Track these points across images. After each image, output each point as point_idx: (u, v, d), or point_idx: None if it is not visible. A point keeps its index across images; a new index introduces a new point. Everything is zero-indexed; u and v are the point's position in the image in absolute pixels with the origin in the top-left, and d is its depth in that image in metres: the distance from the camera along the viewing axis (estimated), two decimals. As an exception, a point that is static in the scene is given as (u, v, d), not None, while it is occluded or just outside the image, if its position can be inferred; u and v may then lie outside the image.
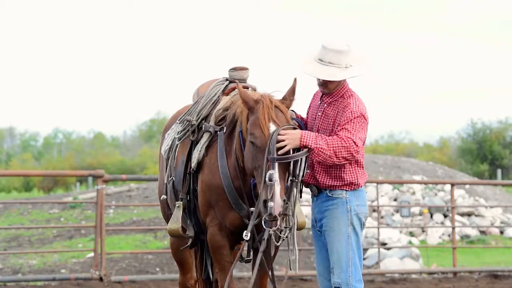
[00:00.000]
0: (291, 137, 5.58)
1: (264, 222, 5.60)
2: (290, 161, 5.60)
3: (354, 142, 5.61)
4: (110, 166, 49.67)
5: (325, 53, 5.71)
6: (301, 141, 5.58)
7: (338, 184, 5.80)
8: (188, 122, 6.51)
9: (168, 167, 6.81)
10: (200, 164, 6.30)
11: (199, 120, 6.48)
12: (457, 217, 19.73)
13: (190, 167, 6.38)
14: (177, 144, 6.67)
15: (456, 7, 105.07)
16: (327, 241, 5.82)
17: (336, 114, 5.75)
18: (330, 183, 5.81)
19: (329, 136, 5.72)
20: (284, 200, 5.53)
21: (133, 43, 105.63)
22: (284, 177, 5.61)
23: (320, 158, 5.63)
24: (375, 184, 19.29)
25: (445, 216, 20.45)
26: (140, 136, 70.77)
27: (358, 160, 5.80)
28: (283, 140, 5.57)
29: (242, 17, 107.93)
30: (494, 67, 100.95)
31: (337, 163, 5.64)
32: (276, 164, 5.52)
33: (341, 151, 5.60)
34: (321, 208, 5.85)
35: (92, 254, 14.85)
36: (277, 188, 5.49)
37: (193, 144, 6.43)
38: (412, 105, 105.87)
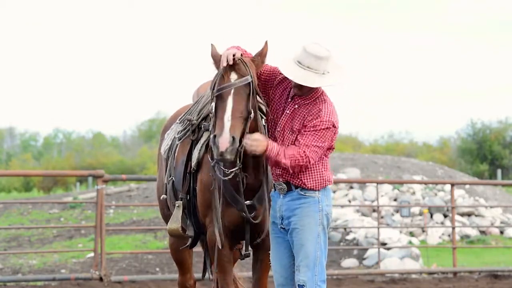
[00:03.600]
0: (258, 144, 5.64)
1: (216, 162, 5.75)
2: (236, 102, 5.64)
3: (309, 160, 5.68)
4: (110, 166, 49.67)
5: (305, 56, 5.68)
6: (266, 150, 5.65)
7: (310, 185, 5.80)
8: (188, 122, 6.52)
9: (168, 167, 6.81)
10: (199, 163, 6.31)
11: (199, 120, 6.48)
12: (457, 217, 19.71)
13: (190, 166, 6.38)
14: (177, 144, 6.67)
15: (456, 7, 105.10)
16: (295, 239, 5.80)
17: (305, 117, 5.74)
18: (301, 184, 5.81)
19: (291, 135, 5.76)
20: (233, 137, 5.54)
21: (133, 43, 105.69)
22: (237, 115, 5.63)
23: (269, 163, 5.77)
24: (375, 184, 19.28)
25: (445, 216, 20.44)
26: (139, 136, 70.75)
27: (324, 162, 5.83)
28: (252, 145, 5.64)
29: (242, 17, 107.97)
30: (494, 67, 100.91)
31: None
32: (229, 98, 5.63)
33: (293, 165, 5.68)
34: (291, 206, 5.81)
35: (92, 254, 14.85)
36: (227, 124, 5.56)
37: (193, 143, 6.44)
38: (412, 105, 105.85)
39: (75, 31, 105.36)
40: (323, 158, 5.80)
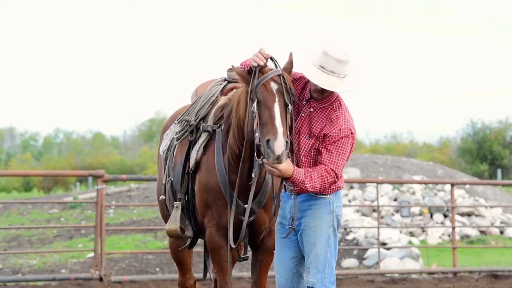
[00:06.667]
0: (283, 169, 5.52)
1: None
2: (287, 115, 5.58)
3: (336, 175, 5.65)
4: (110, 166, 49.65)
5: (327, 61, 5.62)
6: (293, 175, 5.56)
7: (322, 192, 5.76)
8: (186, 122, 6.51)
9: (166, 168, 6.80)
10: (198, 164, 6.30)
11: (197, 120, 6.47)
12: (457, 217, 19.72)
13: (188, 167, 6.37)
14: (176, 145, 6.67)
15: (457, 7, 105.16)
16: (305, 240, 5.77)
17: (324, 125, 5.70)
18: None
19: (308, 140, 5.72)
20: (286, 141, 5.45)
21: (132, 43, 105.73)
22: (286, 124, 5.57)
23: (298, 186, 5.65)
24: (375, 184, 19.28)
25: (445, 216, 20.44)
26: (139, 136, 70.77)
27: None
28: (276, 169, 5.52)
29: (242, 17, 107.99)
30: (494, 67, 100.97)
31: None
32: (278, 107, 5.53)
33: (322, 187, 5.64)
34: (302, 207, 5.77)
35: (92, 254, 14.85)
36: (280, 128, 5.45)
37: (191, 144, 6.43)
38: (413, 105, 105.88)
39: (75, 31, 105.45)
40: None
